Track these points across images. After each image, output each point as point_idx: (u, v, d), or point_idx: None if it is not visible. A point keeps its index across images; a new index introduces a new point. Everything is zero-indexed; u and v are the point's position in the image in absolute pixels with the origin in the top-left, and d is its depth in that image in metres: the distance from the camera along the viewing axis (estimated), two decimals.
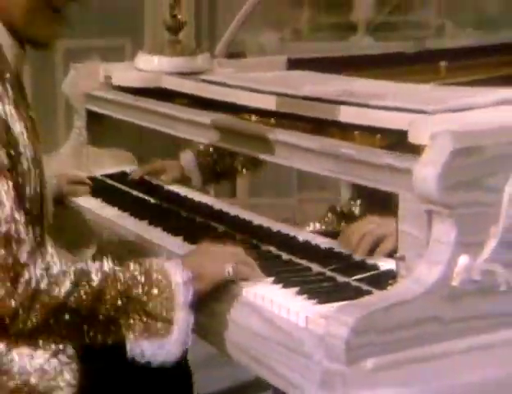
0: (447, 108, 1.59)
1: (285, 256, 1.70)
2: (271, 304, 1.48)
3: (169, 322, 1.49)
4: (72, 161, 2.45)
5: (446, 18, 4.44)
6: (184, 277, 1.50)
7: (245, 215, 1.97)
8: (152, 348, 1.50)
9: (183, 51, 2.31)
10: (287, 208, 2.22)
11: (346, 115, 1.69)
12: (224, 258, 1.58)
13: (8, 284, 1.42)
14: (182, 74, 2.26)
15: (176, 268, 1.51)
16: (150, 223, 1.94)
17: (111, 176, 2.38)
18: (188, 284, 1.50)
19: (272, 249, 1.73)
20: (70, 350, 1.58)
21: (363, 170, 1.55)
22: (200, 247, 1.65)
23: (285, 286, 1.53)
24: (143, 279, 1.49)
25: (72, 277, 1.46)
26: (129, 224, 1.98)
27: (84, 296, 1.46)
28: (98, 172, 2.40)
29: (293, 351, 1.41)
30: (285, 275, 1.58)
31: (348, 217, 2.11)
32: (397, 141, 1.56)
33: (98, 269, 1.49)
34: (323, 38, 4.40)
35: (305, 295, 1.48)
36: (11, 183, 1.46)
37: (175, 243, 1.82)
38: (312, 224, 2.12)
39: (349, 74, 2.21)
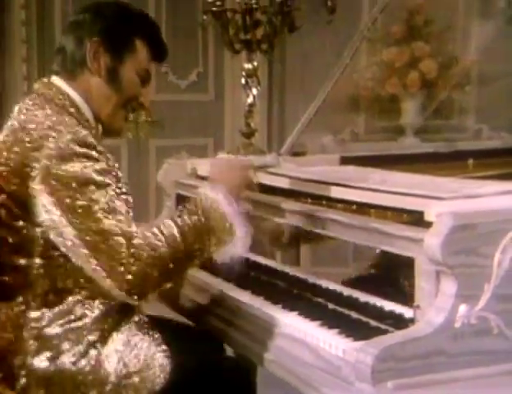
0: (457, 196, 1.87)
1: (331, 306, 1.98)
2: (318, 340, 1.78)
3: (230, 232, 1.87)
4: None
5: (483, 123, 4.61)
6: (222, 198, 1.89)
7: (301, 275, 2.24)
8: (228, 249, 1.89)
9: (254, 151, 2.60)
10: (343, 275, 2.47)
11: (379, 199, 1.99)
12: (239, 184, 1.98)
13: (132, 261, 1.76)
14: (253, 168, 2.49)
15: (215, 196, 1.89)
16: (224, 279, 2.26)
17: None
18: (228, 200, 1.88)
19: (321, 300, 2.01)
20: (163, 343, 1.94)
21: (389, 240, 1.83)
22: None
23: (329, 328, 1.81)
24: (203, 217, 1.86)
25: (165, 240, 1.80)
26: (207, 279, 2.32)
27: (178, 245, 1.81)
28: None
29: (333, 375, 1.71)
30: (330, 319, 1.86)
31: None
32: (416, 219, 1.84)
33: (178, 227, 1.84)
34: (377, 139, 4.56)
35: (344, 335, 1.77)
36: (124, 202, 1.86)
37: (241, 293, 2.15)
38: None
39: (391, 169, 2.45)
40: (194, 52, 4.71)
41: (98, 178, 1.82)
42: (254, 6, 2.50)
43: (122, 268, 1.76)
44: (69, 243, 1.83)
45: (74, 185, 1.80)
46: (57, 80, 2.00)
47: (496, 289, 1.69)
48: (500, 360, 1.71)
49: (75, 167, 1.81)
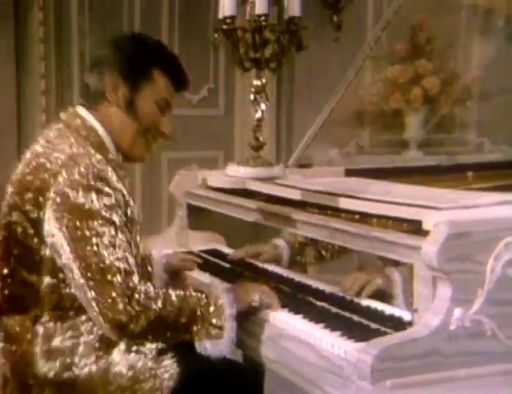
0: (453, 206, 1.94)
1: (334, 310, 2.04)
2: (321, 342, 1.84)
3: (221, 329, 1.93)
4: (175, 240, 2.79)
5: (485, 137, 4.65)
6: (229, 299, 1.94)
7: (306, 281, 2.31)
8: (211, 346, 1.94)
9: (263, 163, 2.64)
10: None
11: (380, 209, 2.06)
12: (254, 290, 2.05)
13: (125, 302, 1.84)
14: (261, 179, 2.59)
15: (223, 293, 1.98)
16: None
17: (205, 252, 2.70)
18: (232, 304, 1.95)
19: (325, 304, 2.08)
20: (170, 349, 2.01)
21: (390, 247, 1.91)
22: (240, 283, 2.16)
23: (332, 330, 1.88)
24: (204, 301, 1.94)
25: (161, 298, 1.88)
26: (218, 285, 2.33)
27: (170, 310, 1.88)
28: (195, 248, 2.72)
29: (335, 374, 1.77)
30: (332, 322, 1.92)
31: None
32: (415, 228, 1.90)
33: (177, 294, 1.92)
34: (381, 152, 4.59)
35: (346, 336, 1.83)
36: (127, 235, 1.92)
37: None
38: None
39: (394, 180, 2.51)
40: (206, 69, 4.79)
41: (106, 214, 1.89)
42: (263, 23, 2.54)
43: (113, 304, 1.83)
44: (68, 269, 1.90)
45: (81, 216, 1.87)
46: (81, 110, 2.07)
47: (489, 294, 1.76)
48: (492, 361, 1.78)
49: (85, 198, 1.88)
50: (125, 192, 2.00)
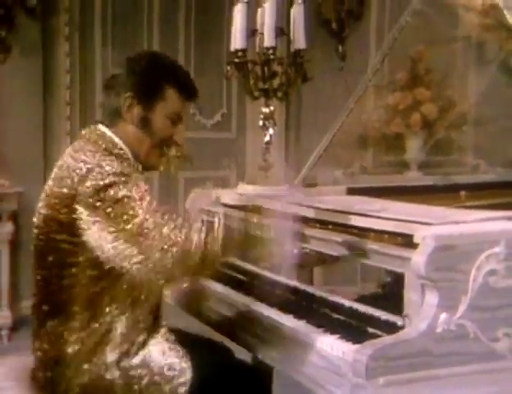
0: (443, 222, 2.02)
1: (334, 315, 2.15)
2: (321, 344, 1.95)
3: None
4: None
5: (480, 159, 4.76)
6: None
7: (310, 289, 2.37)
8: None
9: (270, 183, 2.72)
10: (352, 294, 2.60)
11: (378, 224, 2.13)
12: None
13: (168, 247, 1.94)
14: (269, 197, 2.61)
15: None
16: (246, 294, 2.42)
17: None
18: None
19: (326, 310, 2.18)
20: (186, 353, 2.11)
21: (385, 259, 2.02)
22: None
23: (331, 333, 1.99)
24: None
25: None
26: (231, 294, 2.48)
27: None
28: None
29: (334, 373, 1.88)
30: (332, 326, 2.03)
31: None
32: (408, 241, 1.99)
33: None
34: (384, 172, 4.77)
35: (344, 339, 1.94)
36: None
37: (258, 305, 2.30)
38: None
39: (392, 199, 2.57)
40: (219, 96, 4.96)
41: (134, 194, 1.98)
42: (271, 57, 2.64)
43: (158, 254, 1.92)
44: (109, 250, 1.97)
45: (113, 202, 1.97)
46: (101, 126, 2.18)
47: (471, 300, 1.87)
48: (475, 361, 1.88)
49: (114, 191, 1.97)
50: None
